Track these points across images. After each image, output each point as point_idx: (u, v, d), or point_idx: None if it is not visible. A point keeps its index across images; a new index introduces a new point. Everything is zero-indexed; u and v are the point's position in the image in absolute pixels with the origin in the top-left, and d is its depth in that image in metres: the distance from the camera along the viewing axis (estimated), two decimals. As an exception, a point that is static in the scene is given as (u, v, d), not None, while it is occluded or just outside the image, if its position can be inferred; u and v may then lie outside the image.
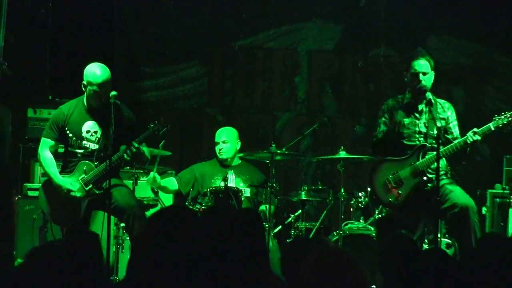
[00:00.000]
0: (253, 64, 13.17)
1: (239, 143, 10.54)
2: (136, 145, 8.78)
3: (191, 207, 9.95)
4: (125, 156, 8.77)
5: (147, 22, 12.83)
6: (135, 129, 9.11)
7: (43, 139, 9.16)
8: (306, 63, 13.26)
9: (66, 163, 9.17)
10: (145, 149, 9.18)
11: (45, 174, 9.33)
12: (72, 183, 8.91)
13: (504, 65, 13.17)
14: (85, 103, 9.13)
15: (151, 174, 9.98)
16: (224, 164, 10.44)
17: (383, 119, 9.60)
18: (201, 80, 13.09)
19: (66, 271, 4.60)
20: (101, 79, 8.96)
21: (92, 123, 9.12)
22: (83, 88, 9.06)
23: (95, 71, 8.99)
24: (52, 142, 9.14)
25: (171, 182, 10.34)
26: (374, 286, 7.95)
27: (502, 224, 10.48)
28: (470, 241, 8.96)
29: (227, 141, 10.47)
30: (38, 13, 12.00)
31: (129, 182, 9.90)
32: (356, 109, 13.19)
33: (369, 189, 10.03)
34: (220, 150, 10.43)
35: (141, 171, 10.16)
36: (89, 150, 9.08)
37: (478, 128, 9.19)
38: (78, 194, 8.90)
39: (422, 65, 9.50)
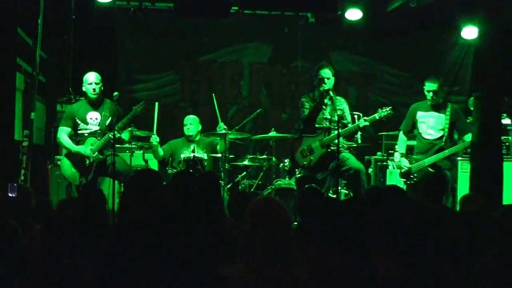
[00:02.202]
0: (211, 72, 13.08)
1: (200, 125, 10.48)
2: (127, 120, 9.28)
3: (170, 171, 9.93)
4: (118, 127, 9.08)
5: (139, 44, 12.69)
6: (122, 117, 9.31)
7: (60, 128, 9.51)
8: (248, 71, 13.22)
9: (77, 141, 9.37)
10: (126, 134, 9.59)
11: (66, 150, 9.44)
12: (84, 149, 9.19)
13: (383, 71, 13.24)
14: (86, 100, 9.49)
15: (154, 137, 10.06)
16: (190, 140, 10.35)
17: (304, 108, 9.68)
18: (176, 84, 13.00)
19: (81, 214, 4.55)
20: (92, 77, 9.41)
21: (93, 112, 9.44)
22: (83, 89, 9.51)
23: (89, 75, 9.46)
24: (68, 129, 9.38)
25: (160, 151, 10.24)
26: (295, 223, 7.91)
27: (382, 180, 10.51)
28: (361, 192, 9.03)
29: (192, 123, 10.41)
30: (64, 38, 11.89)
31: (126, 155, 9.86)
32: (283, 103, 13.16)
33: (290, 156, 10.03)
34: (188, 129, 10.37)
35: (135, 147, 10.05)
36: (93, 131, 9.33)
37: (367, 116, 9.41)
38: (89, 153, 9.16)
39: (326, 72, 9.62)
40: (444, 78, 12.26)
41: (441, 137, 9.54)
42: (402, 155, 9.69)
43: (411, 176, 9.44)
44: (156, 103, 10.08)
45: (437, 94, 9.56)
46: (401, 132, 9.90)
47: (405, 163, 9.54)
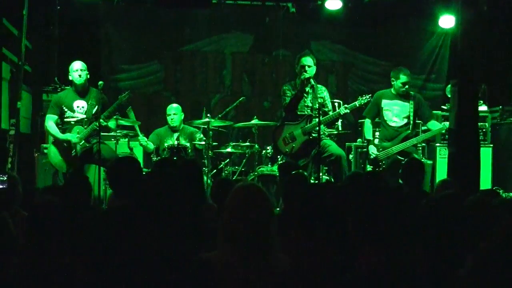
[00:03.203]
0: (194, 62, 13.06)
1: (183, 114, 10.46)
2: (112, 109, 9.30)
3: (154, 158, 9.92)
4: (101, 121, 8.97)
5: (123, 35, 12.65)
6: (108, 106, 9.31)
7: (47, 116, 9.48)
8: (230, 61, 13.19)
9: (64, 129, 9.36)
10: (112, 123, 9.54)
11: (53, 138, 9.41)
12: (72, 136, 9.20)
13: (362, 60, 13.26)
14: (73, 89, 9.48)
15: (140, 137, 10.03)
16: (173, 129, 10.33)
17: (285, 96, 9.70)
18: (159, 73, 12.96)
19: (67, 201, 4.54)
20: (77, 64, 9.41)
21: (80, 101, 9.44)
22: (69, 78, 9.52)
23: (74, 63, 9.47)
24: (55, 117, 9.37)
25: (150, 145, 10.18)
26: (278, 209, 7.92)
27: (362, 166, 10.54)
28: (341, 177, 9.05)
29: (175, 113, 10.38)
30: (49, 28, 11.83)
31: (112, 143, 9.86)
32: (264, 91, 13.16)
33: (272, 143, 10.02)
34: (171, 120, 10.33)
35: (120, 135, 10.05)
36: (79, 118, 9.33)
37: (347, 104, 9.47)
38: (76, 140, 9.19)
39: (307, 60, 9.64)
40: (421, 66, 12.34)
41: (405, 124, 9.75)
42: (369, 142, 9.76)
43: (379, 163, 9.51)
44: (129, 107, 9.97)
45: (409, 84, 9.83)
46: (367, 119, 9.98)
47: (373, 150, 9.61)
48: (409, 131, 9.62)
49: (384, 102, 9.82)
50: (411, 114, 9.67)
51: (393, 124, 9.73)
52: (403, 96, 9.77)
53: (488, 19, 9.71)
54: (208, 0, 10.84)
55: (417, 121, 9.97)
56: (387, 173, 9.12)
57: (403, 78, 9.67)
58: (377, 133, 10.09)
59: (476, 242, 3.60)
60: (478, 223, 3.68)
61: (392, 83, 9.79)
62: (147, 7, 12.35)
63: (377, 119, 10.02)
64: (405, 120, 9.73)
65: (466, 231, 3.68)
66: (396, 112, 9.75)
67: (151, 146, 10.19)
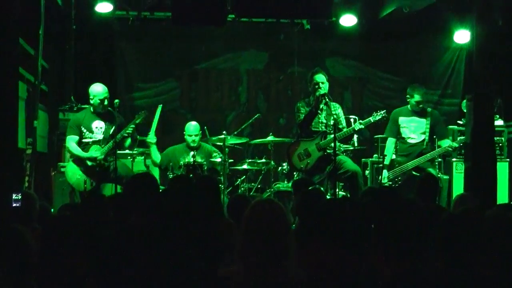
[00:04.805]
0: (209, 79, 13.10)
1: (200, 133, 10.42)
2: (132, 127, 9.39)
3: (170, 175, 9.89)
4: (123, 135, 9.27)
5: (138, 53, 12.71)
6: (125, 126, 9.43)
7: (68, 137, 9.51)
8: (246, 78, 13.21)
9: (82, 148, 9.37)
10: (127, 142, 9.62)
11: (73, 156, 9.45)
12: (93, 153, 9.32)
13: (377, 76, 13.26)
14: (92, 110, 9.47)
15: (150, 135, 10.04)
16: (191, 147, 10.28)
17: (299, 113, 9.75)
18: (175, 91, 12.99)
19: (82, 219, 4.54)
20: (102, 92, 9.38)
21: (98, 121, 9.46)
22: (90, 101, 9.47)
23: (99, 89, 9.43)
24: (76, 137, 9.41)
25: (157, 156, 10.17)
26: (294, 225, 7.89)
27: (379, 182, 10.49)
28: (357, 193, 9.03)
29: (196, 134, 10.28)
30: (65, 47, 11.89)
31: (128, 161, 9.89)
32: (280, 108, 13.17)
33: (287, 160, 10.03)
34: (193, 140, 10.20)
35: (136, 153, 10.08)
36: (97, 139, 9.38)
37: (362, 120, 9.47)
38: (100, 157, 9.29)
39: (320, 77, 9.69)
40: (437, 82, 12.33)
41: (422, 141, 9.76)
42: (385, 166, 9.78)
43: (396, 180, 9.55)
44: (160, 106, 10.05)
45: (424, 102, 9.93)
46: (389, 138, 9.98)
47: (385, 177, 9.66)
48: (423, 147, 9.67)
49: (401, 120, 9.89)
50: (428, 130, 9.71)
51: (411, 141, 9.83)
52: (419, 112, 9.83)
53: (503, 34, 9.67)
54: (224, 18, 10.83)
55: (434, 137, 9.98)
56: (403, 189, 9.13)
57: (417, 97, 9.73)
58: None
59: (495, 256, 3.58)
60: (497, 237, 3.66)
61: (408, 100, 9.83)
62: (162, 25, 12.38)
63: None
64: (423, 136, 9.83)
65: (486, 245, 3.65)
66: (413, 129, 9.84)
67: (156, 157, 10.18)
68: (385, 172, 9.72)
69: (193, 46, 12.92)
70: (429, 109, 9.98)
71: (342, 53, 13.19)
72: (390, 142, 9.97)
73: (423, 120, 9.81)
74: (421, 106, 9.76)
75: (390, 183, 9.60)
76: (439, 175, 9.78)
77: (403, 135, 9.89)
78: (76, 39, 11.90)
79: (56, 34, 11.58)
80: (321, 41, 12.93)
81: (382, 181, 9.66)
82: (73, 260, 4.23)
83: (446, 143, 9.77)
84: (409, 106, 9.88)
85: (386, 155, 9.92)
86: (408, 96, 9.85)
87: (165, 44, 12.81)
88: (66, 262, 4.19)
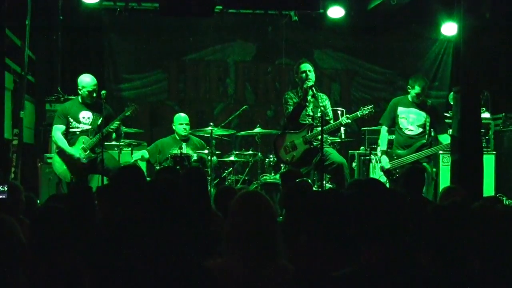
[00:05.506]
0: (197, 71, 13.09)
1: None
2: (117, 122, 9.25)
3: (157, 167, 9.92)
4: (110, 129, 9.22)
5: (126, 44, 12.66)
6: (113, 117, 9.38)
7: (55, 126, 9.36)
8: (233, 70, 13.21)
9: (69, 139, 9.30)
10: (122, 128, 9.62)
11: (58, 148, 9.33)
12: (79, 154, 9.17)
13: (365, 68, 13.27)
14: (80, 100, 9.38)
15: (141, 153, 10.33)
16: (183, 139, 10.30)
17: (288, 105, 9.70)
18: (163, 83, 12.98)
19: (70, 210, 4.53)
20: (91, 84, 9.27)
21: (85, 112, 9.35)
22: (79, 91, 9.34)
23: (88, 80, 9.30)
24: (63, 127, 9.29)
25: (145, 154, 10.25)
26: (281, 217, 7.89)
27: (365, 174, 10.52)
28: (343, 185, 9.02)
29: (187, 123, 10.37)
30: (52, 38, 11.86)
31: (115, 152, 9.87)
32: (267, 100, 13.18)
33: (274, 152, 10.01)
34: (184, 129, 10.30)
35: (124, 144, 10.06)
36: (84, 129, 9.29)
37: (349, 113, 9.38)
38: (84, 161, 9.18)
39: (307, 66, 9.63)
40: (424, 74, 12.39)
41: (420, 133, 9.63)
42: (383, 152, 9.71)
43: (393, 172, 9.47)
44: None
45: (424, 95, 9.70)
46: (383, 126, 9.88)
47: (385, 162, 9.57)
48: (425, 141, 9.55)
49: (400, 110, 9.67)
50: (427, 123, 9.58)
51: (408, 132, 9.62)
52: (419, 105, 9.65)
53: (490, 26, 9.68)
54: (211, 9, 10.80)
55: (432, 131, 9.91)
56: (400, 182, 9.08)
57: (417, 89, 9.48)
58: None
59: (482, 247, 3.59)
60: (483, 229, 3.67)
61: (408, 90, 9.66)
62: (150, 16, 12.37)
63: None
64: (420, 129, 9.62)
65: (473, 237, 3.66)
66: (411, 120, 9.60)
67: (146, 155, 10.31)
68: (384, 158, 9.62)
69: (181, 37, 12.92)
70: (429, 102, 9.82)
71: (330, 45, 13.20)
72: (383, 131, 9.85)
73: (423, 113, 9.60)
74: (420, 98, 9.60)
75: (387, 175, 9.53)
76: (433, 170, 9.76)
77: (400, 126, 9.67)
78: (63, 30, 11.87)
79: (43, 25, 11.54)
80: (309, 33, 12.95)
81: (384, 167, 9.56)
82: (62, 251, 4.23)
83: (445, 137, 9.60)
84: (409, 96, 9.72)
85: (379, 145, 9.86)
86: (409, 86, 9.60)
87: (153, 35, 12.78)
88: (54, 253, 4.18)
